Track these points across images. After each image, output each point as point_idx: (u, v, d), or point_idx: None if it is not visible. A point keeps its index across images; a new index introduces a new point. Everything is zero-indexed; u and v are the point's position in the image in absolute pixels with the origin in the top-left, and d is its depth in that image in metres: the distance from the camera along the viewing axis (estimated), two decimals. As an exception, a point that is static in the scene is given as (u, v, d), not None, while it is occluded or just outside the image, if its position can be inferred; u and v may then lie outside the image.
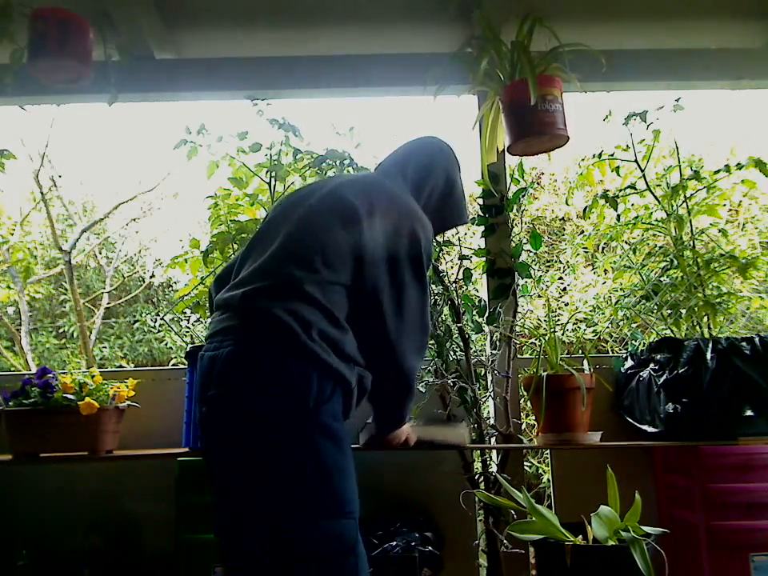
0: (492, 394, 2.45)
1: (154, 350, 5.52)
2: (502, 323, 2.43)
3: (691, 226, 2.43)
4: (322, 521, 1.29)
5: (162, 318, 5.50)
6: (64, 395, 2.17)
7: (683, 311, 2.35)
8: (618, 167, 2.55)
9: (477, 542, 2.37)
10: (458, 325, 2.36)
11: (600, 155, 2.56)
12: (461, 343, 2.37)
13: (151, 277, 5.87)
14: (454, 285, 2.40)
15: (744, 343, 2.15)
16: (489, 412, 2.57)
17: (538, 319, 4.00)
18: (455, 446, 2.13)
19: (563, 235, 4.82)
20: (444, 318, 2.41)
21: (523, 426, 2.57)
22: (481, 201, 2.65)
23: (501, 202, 2.59)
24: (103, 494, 2.43)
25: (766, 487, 2.04)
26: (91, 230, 5.37)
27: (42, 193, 5.01)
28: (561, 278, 4.45)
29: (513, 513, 2.11)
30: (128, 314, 5.90)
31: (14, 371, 4.66)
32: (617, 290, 3.10)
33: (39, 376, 2.21)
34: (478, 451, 2.40)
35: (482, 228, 2.61)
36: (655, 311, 2.45)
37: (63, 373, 2.32)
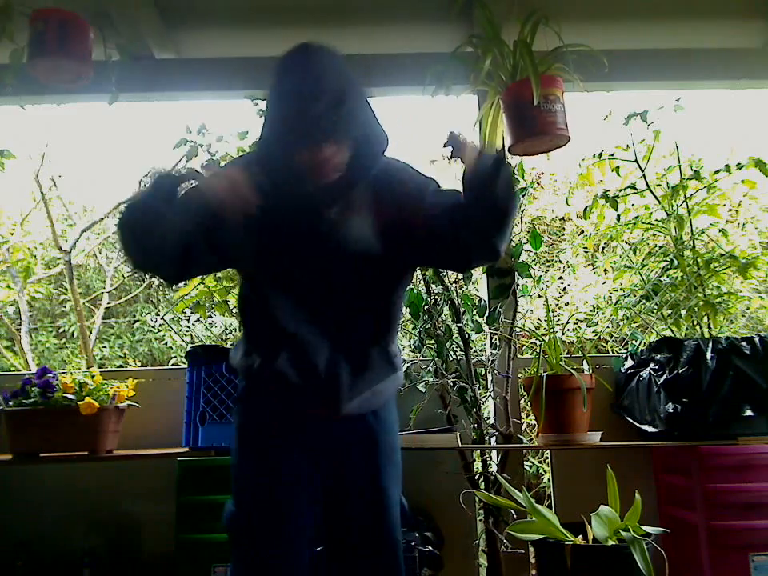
0: (492, 393, 2.45)
1: (154, 350, 5.52)
2: (502, 323, 2.43)
3: (691, 225, 2.43)
4: None
5: (162, 318, 5.50)
6: (64, 395, 2.17)
7: (683, 311, 2.36)
8: (618, 167, 2.55)
9: (477, 541, 2.37)
10: (458, 325, 2.36)
11: (600, 155, 2.56)
12: (461, 343, 2.37)
13: (151, 277, 5.86)
14: (453, 285, 2.40)
15: (744, 343, 2.15)
16: (489, 412, 2.57)
17: (538, 319, 4.00)
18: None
19: (563, 235, 4.82)
20: (444, 318, 2.41)
21: (523, 426, 2.57)
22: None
23: (501, 202, 2.59)
24: (103, 494, 2.43)
25: (765, 487, 2.04)
26: (91, 229, 5.36)
27: (42, 193, 5.00)
28: (561, 278, 4.45)
29: (513, 513, 2.11)
30: (128, 314, 5.90)
31: (14, 371, 4.66)
32: (617, 290, 3.10)
33: (39, 376, 2.21)
34: (478, 451, 2.40)
35: (482, 228, 2.61)
36: (655, 311, 2.45)
37: (63, 373, 2.32)
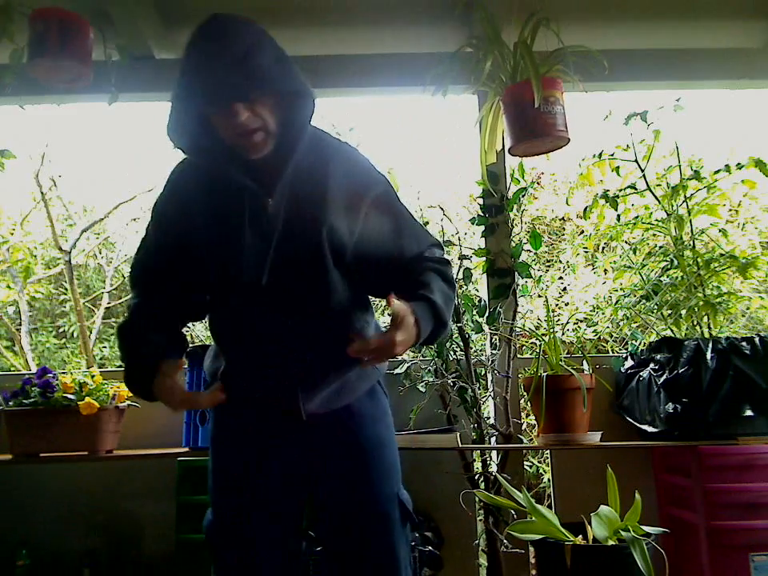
0: (492, 393, 2.45)
1: (154, 350, 5.51)
2: (502, 323, 2.43)
3: (691, 226, 2.43)
4: None
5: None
6: (64, 395, 2.17)
7: (683, 311, 2.36)
8: (617, 167, 2.55)
9: (477, 541, 2.37)
10: (458, 325, 2.36)
11: (600, 155, 2.56)
12: (461, 343, 2.37)
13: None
14: (454, 285, 2.40)
15: (744, 343, 2.15)
16: (489, 412, 2.57)
17: (538, 319, 4.00)
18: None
19: (563, 235, 4.82)
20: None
21: (523, 426, 2.57)
22: (481, 201, 2.65)
23: (501, 202, 2.59)
24: (103, 493, 2.43)
25: (765, 487, 2.04)
26: (91, 229, 5.36)
27: (42, 193, 5.00)
28: (561, 278, 4.45)
29: (513, 513, 2.11)
30: (128, 314, 5.90)
31: (14, 371, 4.66)
32: (617, 290, 3.10)
33: (39, 376, 2.21)
34: (478, 451, 2.40)
35: (482, 228, 2.61)
36: (655, 311, 2.45)
37: (63, 373, 2.32)
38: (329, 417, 1.32)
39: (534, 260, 4.09)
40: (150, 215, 1.38)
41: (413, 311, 1.18)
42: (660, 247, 2.62)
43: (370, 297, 1.42)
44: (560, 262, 4.63)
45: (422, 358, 2.45)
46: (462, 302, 2.41)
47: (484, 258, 2.58)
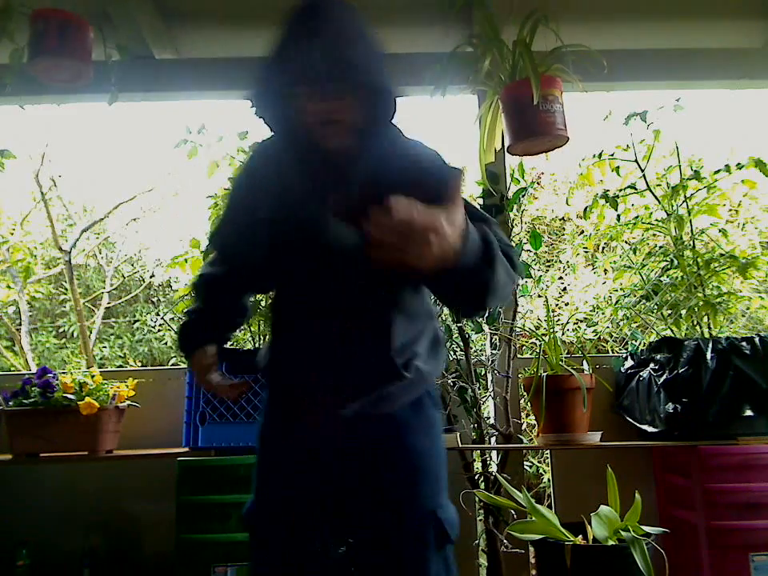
0: (492, 393, 2.45)
1: (154, 350, 5.52)
2: (502, 323, 2.43)
3: (691, 225, 2.43)
4: None
5: (162, 318, 5.50)
6: (64, 395, 2.17)
7: (683, 311, 2.36)
8: (617, 167, 2.55)
9: (477, 541, 2.37)
10: (458, 325, 2.36)
11: (600, 155, 2.56)
12: (461, 343, 2.37)
13: (151, 277, 5.88)
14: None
15: (744, 343, 2.15)
16: (489, 412, 2.57)
17: (538, 319, 4.00)
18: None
19: (563, 235, 4.82)
20: (444, 318, 2.41)
21: (523, 426, 2.57)
22: (481, 201, 2.64)
23: (501, 202, 2.59)
24: (103, 494, 2.43)
25: (765, 487, 2.04)
26: (91, 229, 5.37)
27: (42, 193, 5.00)
28: (561, 278, 4.45)
29: (513, 513, 2.11)
30: (128, 314, 5.90)
31: (14, 371, 4.66)
32: (617, 290, 3.10)
33: (39, 376, 2.21)
34: (478, 451, 2.40)
35: (482, 228, 2.61)
36: (655, 311, 2.45)
37: (63, 373, 2.32)
38: (368, 424, 1.24)
39: (534, 260, 4.09)
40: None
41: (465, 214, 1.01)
42: (660, 247, 2.62)
43: (432, 309, 1.34)
44: (560, 261, 4.63)
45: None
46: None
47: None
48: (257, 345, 2.41)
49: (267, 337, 1.44)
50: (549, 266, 4.64)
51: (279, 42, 1.18)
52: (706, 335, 2.31)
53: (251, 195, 1.32)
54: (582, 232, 4.52)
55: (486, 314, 1.15)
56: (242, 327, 1.44)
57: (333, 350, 1.25)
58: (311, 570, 1.26)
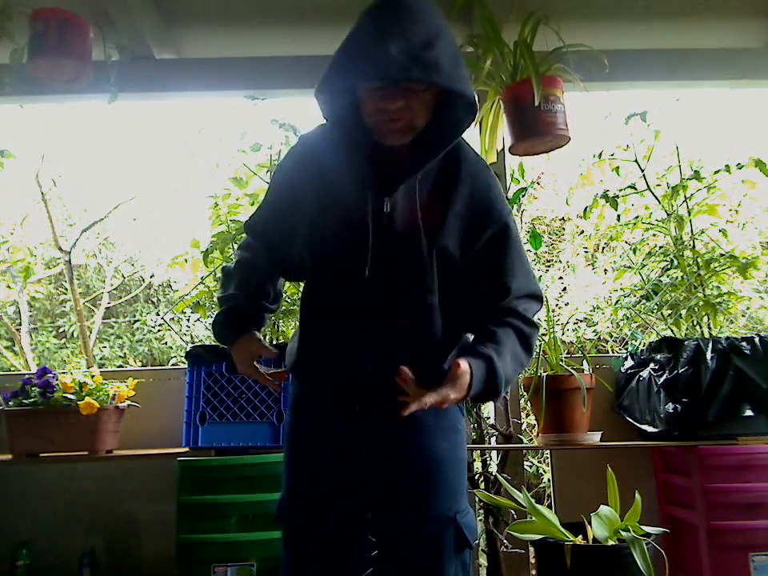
0: (492, 393, 2.44)
1: (154, 350, 5.52)
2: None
3: (691, 225, 2.43)
4: None
5: (162, 318, 5.50)
6: (64, 395, 2.17)
7: (683, 311, 2.35)
8: (617, 167, 2.55)
9: (477, 541, 2.37)
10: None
11: (600, 155, 2.56)
12: (461, 343, 2.37)
13: (151, 277, 5.87)
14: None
15: (744, 343, 2.15)
16: (489, 412, 2.57)
17: (538, 319, 3.99)
18: None
19: (563, 235, 4.82)
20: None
21: (523, 426, 2.57)
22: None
23: (501, 202, 2.59)
24: (103, 494, 2.43)
25: (765, 487, 2.04)
26: (91, 229, 5.37)
27: (42, 193, 5.00)
28: (561, 278, 4.45)
29: (513, 513, 2.11)
30: (128, 314, 5.90)
31: (14, 371, 4.66)
32: (617, 290, 3.10)
33: (39, 376, 2.21)
34: (478, 451, 2.40)
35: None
36: (655, 311, 2.45)
37: (63, 373, 2.32)
38: (390, 426, 1.24)
39: (534, 260, 4.09)
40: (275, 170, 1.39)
41: (470, 370, 1.14)
42: (660, 247, 2.62)
43: (462, 333, 1.34)
44: (560, 261, 4.63)
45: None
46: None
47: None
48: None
49: (296, 332, 1.37)
50: (549, 266, 4.63)
51: (357, 33, 1.13)
52: (706, 335, 2.31)
53: (296, 183, 1.29)
54: (582, 232, 4.52)
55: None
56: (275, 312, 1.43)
57: (365, 352, 1.23)
58: (337, 565, 1.27)
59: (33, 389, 2.19)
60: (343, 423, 1.27)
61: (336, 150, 1.25)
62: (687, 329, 2.38)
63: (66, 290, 5.37)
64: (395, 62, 1.04)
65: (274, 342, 2.38)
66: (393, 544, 1.25)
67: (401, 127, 1.15)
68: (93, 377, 2.28)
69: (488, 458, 2.39)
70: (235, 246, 2.43)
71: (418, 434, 1.26)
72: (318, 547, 1.26)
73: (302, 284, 1.47)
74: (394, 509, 1.25)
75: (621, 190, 2.55)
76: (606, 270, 4.01)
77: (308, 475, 1.30)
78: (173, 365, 5.08)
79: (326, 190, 1.24)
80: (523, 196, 2.52)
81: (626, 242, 2.86)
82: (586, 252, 4.42)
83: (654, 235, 2.62)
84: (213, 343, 2.23)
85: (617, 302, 2.72)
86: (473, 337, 1.27)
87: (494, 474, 2.29)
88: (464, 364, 1.13)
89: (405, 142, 1.18)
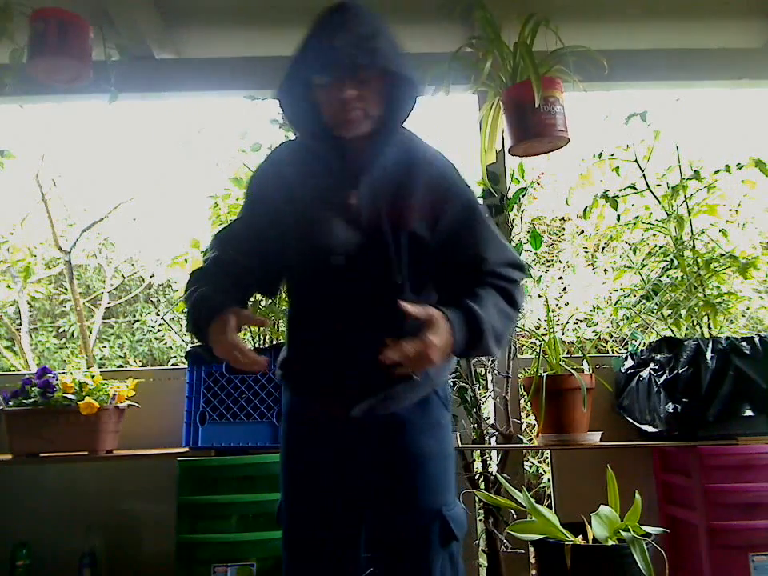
0: (492, 393, 2.44)
1: (154, 350, 5.52)
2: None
3: (691, 225, 2.43)
4: None
5: (162, 318, 5.50)
6: (64, 395, 2.17)
7: (683, 311, 2.36)
8: (617, 167, 2.55)
9: (477, 541, 2.37)
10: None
11: (600, 155, 2.56)
12: (461, 343, 2.37)
13: (151, 277, 5.87)
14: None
15: (744, 343, 2.15)
16: (489, 412, 2.57)
17: (538, 319, 4.00)
18: None
19: (563, 235, 4.82)
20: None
21: (523, 426, 2.57)
22: (481, 201, 2.64)
23: (501, 202, 2.59)
24: (103, 494, 2.43)
25: (765, 487, 2.04)
26: (91, 229, 5.37)
27: (42, 193, 5.00)
28: (561, 278, 4.45)
29: (513, 513, 2.11)
30: (128, 314, 5.91)
31: (14, 371, 4.66)
32: (617, 290, 3.10)
33: (39, 376, 2.21)
34: (478, 451, 2.40)
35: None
36: (655, 311, 2.45)
37: (63, 373, 2.32)
38: (376, 424, 1.27)
39: (534, 260, 4.09)
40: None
41: (445, 314, 1.13)
42: (660, 247, 2.62)
43: None
44: (560, 261, 4.63)
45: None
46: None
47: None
48: (257, 345, 2.41)
49: (285, 339, 1.40)
50: (549, 266, 4.64)
51: (306, 38, 1.23)
52: (706, 335, 2.31)
53: (264, 194, 1.33)
54: (582, 232, 4.52)
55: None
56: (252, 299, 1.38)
57: (343, 352, 1.26)
58: (335, 567, 1.29)
59: (33, 389, 2.19)
60: (333, 425, 1.29)
61: (300, 153, 1.32)
62: (687, 329, 2.38)
63: (66, 289, 5.37)
64: (342, 52, 1.15)
65: (274, 342, 2.39)
66: (382, 540, 1.28)
67: (357, 117, 1.21)
68: (93, 377, 2.28)
69: (488, 458, 2.39)
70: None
71: (404, 432, 1.28)
72: (316, 549, 1.29)
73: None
74: (383, 506, 1.28)
75: (621, 190, 2.55)
76: (606, 269, 4.01)
77: (301, 479, 1.33)
78: (173, 365, 5.08)
79: (293, 193, 1.29)
80: (523, 196, 2.52)
81: (626, 242, 2.86)
82: (586, 252, 4.42)
83: (654, 235, 2.62)
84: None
85: (617, 302, 2.72)
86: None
87: (493, 473, 2.29)
88: (433, 309, 1.14)
89: (363, 131, 1.23)
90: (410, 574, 1.25)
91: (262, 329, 2.36)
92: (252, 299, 1.50)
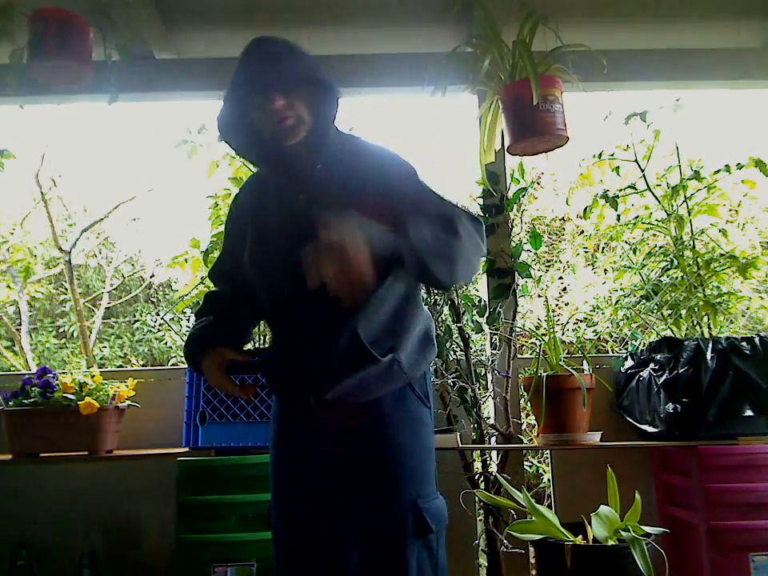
0: (492, 393, 2.45)
1: (154, 350, 5.53)
2: (502, 323, 2.43)
3: (691, 226, 2.43)
4: None
5: (162, 318, 5.50)
6: (64, 395, 2.17)
7: (683, 311, 2.36)
8: (617, 167, 2.55)
9: (477, 541, 2.37)
10: (458, 325, 2.36)
11: (600, 155, 2.56)
12: (461, 343, 2.37)
13: (151, 277, 5.88)
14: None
15: (744, 343, 2.15)
16: (489, 412, 2.57)
17: (538, 319, 4.01)
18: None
19: (563, 235, 4.82)
20: (444, 318, 2.41)
21: (523, 426, 2.57)
22: (481, 201, 2.65)
23: (501, 202, 2.59)
24: (103, 494, 2.43)
25: (766, 487, 2.04)
26: (91, 229, 5.37)
27: (42, 193, 5.01)
28: (561, 278, 4.46)
29: (513, 513, 2.11)
30: (128, 314, 5.91)
31: (14, 371, 4.67)
32: (617, 290, 3.11)
33: (39, 376, 2.21)
34: (478, 451, 2.40)
35: (482, 228, 2.61)
36: (655, 311, 2.45)
37: (63, 373, 2.32)
38: (351, 419, 1.31)
39: (534, 260, 4.09)
40: None
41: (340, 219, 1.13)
42: (660, 247, 2.62)
43: (423, 309, 1.42)
44: (560, 261, 4.63)
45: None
46: (462, 301, 2.41)
47: (484, 258, 2.58)
48: (257, 345, 2.41)
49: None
50: (549, 266, 4.64)
51: (232, 77, 1.40)
52: (706, 335, 2.31)
53: (238, 222, 1.47)
54: (582, 232, 4.53)
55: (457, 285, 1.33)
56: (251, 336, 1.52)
57: (307, 346, 1.33)
58: (311, 559, 1.33)
59: (33, 389, 2.19)
60: (312, 422, 1.34)
61: (257, 178, 1.49)
62: (687, 329, 2.38)
63: (66, 290, 5.38)
64: (263, 69, 1.33)
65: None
66: (360, 530, 1.32)
67: (291, 124, 1.31)
68: (93, 377, 2.28)
69: (488, 458, 2.39)
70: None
71: (379, 426, 1.32)
72: (302, 550, 1.34)
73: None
74: (361, 498, 1.31)
75: (621, 190, 2.55)
76: (606, 269, 4.01)
77: (285, 479, 1.39)
78: (173, 365, 5.08)
79: (257, 212, 1.42)
80: (523, 196, 2.52)
81: (626, 242, 2.86)
82: (586, 252, 4.42)
83: (654, 235, 2.62)
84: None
85: (617, 302, 2.72)
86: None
87: (494, 473, 2.29)
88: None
89: (301, 137, 1.33)
90: (385, 564, 1.28)
91: (262, 329, 2.36)
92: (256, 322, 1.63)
